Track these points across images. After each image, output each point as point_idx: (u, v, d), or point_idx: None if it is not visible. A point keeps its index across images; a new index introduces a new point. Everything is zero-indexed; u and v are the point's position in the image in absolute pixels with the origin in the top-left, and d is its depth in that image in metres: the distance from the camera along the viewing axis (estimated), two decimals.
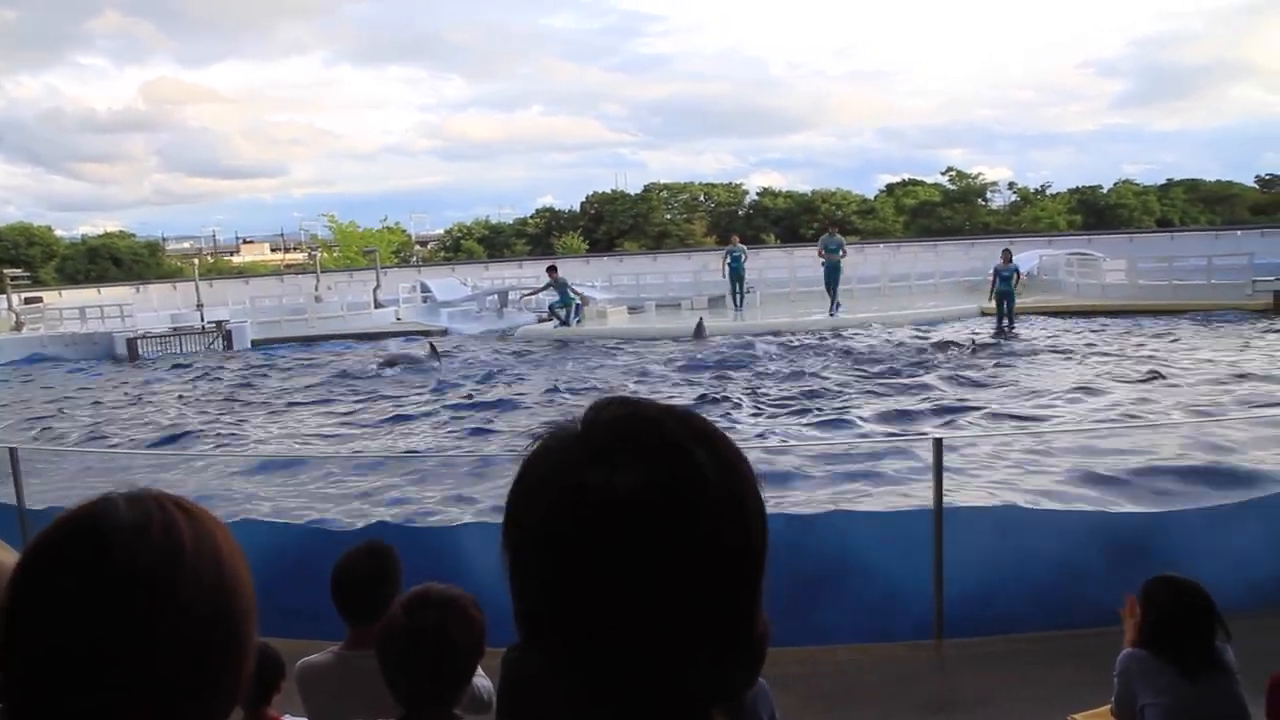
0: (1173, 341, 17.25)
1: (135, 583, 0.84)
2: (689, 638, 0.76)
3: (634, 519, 0.74)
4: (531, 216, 61.59)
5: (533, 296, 26.00)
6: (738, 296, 24.55)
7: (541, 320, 24.08)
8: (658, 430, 0.79)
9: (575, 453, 0.78)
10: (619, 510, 0.74)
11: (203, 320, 26.48)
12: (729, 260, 24.72)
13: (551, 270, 24.12)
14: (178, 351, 24.48)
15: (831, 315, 22.04)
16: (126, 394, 18.21)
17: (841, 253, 22.67)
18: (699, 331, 20.98)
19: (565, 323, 23.12)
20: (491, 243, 57.91)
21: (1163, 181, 56.88)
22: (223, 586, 0.89)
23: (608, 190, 61.96)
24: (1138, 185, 55.87)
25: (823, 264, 22.78)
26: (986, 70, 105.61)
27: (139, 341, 24.67)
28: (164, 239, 62.91)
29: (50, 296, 37.25)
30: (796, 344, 19.19)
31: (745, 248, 25.79)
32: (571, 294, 23.35)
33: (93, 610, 0.82)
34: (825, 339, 19.77)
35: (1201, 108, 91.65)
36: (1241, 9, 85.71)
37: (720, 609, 0.77)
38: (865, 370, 15.87)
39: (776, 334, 20.63)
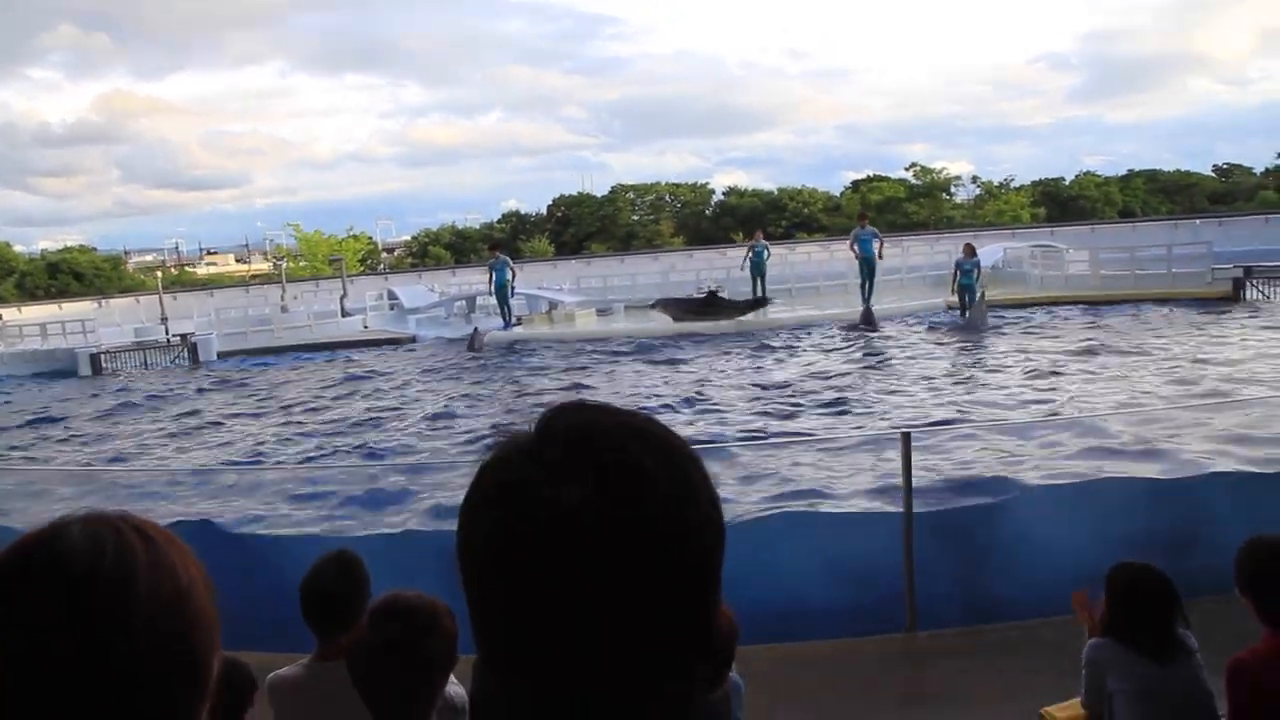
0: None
1: (86, 613, 0.83)
2: (646, 646, 0.76)
3: (583, 532, 0.74)
4: (498, 221, 61.42)
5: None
6: (759, 291, 24.70)
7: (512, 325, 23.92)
8: (607, 439, 0.79)
9: (525, 465, 0.78)
10: (567, 523, 0.74)
11: (167, 334, 26.11)
12: (751, 255, 25.02)
13: (494, 247, 24.54)
14: (142, 366, 24.21)
15: (865, 307, 21.39)
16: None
17: (877, 243, 22.45)
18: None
19: (506, 323, 23.09)
20: (458, 248, 57.64)
21: (1123, 172, 57.76)
22: (180, 614, 0.87)
23: (574, 193, 61.98)
24: (1099, 177, 56.63)
25: (857, 259, 22.55)
26: (941, 66, 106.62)
27: (102, 357, 24.33)
28: (126, 252, 62.09)
29: (10, 313, 36.58)
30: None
31: (768, 243, 26.08)
32: (508, 275, 23.21)
33: (44, 641, 0.81)
34: (854, 332, 20.01)
35: (1156, 99, 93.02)
36: (1184, 3, 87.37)
37: (676, 615, 0.77)
38: (829, 366, 16.00)
39: (793, 328, 20.84)
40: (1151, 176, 56.59)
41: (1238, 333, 16.85)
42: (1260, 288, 20.83)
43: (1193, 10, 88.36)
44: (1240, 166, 56.82)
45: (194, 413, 16.56)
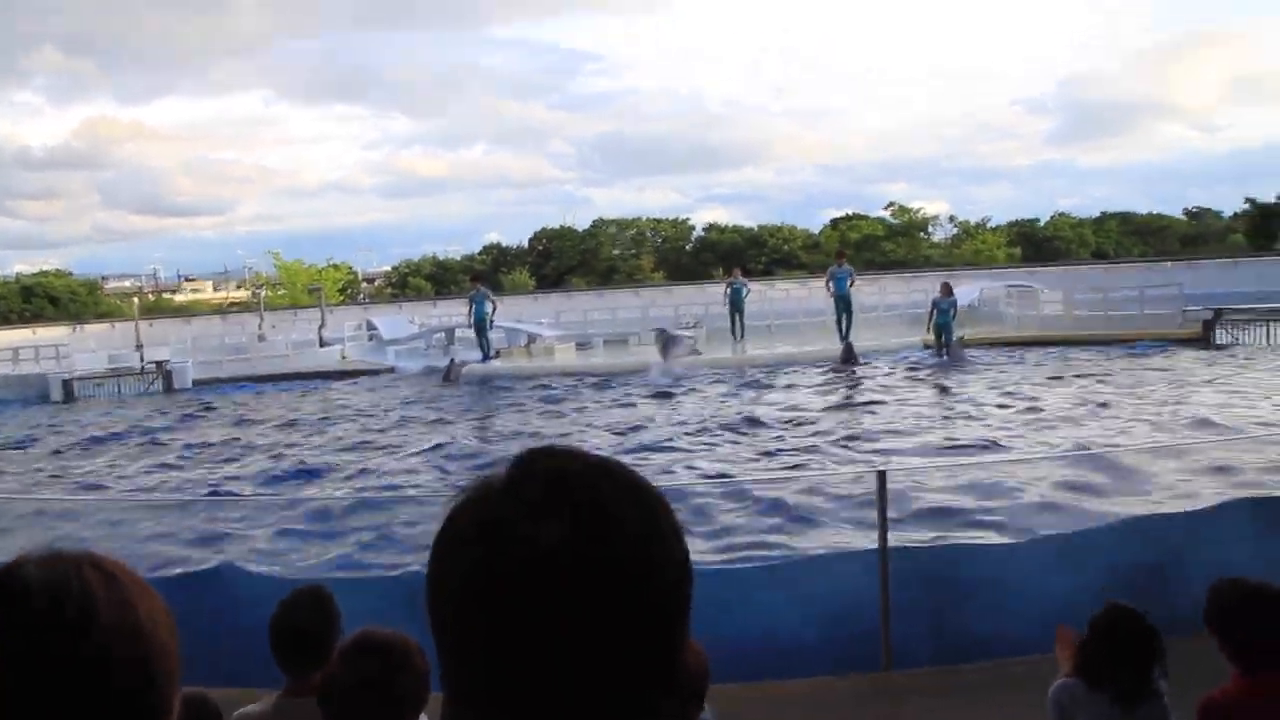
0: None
1: (45, 652, 0.83)
2: (613, 681, 0.76)
3: (560, 568, 0.75)
4: (479, 253, 61.50)
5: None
6: (738, 328, 25.20)
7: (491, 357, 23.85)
8: (581, 478, 0.80)
9: (503, 503, 0.79)
10: (547, 561, 0.75)
11: (142, 361, 25.88)
12: (729, 292, 25.52)
13: (475, 279, 24.59)
14: (116, 393, 23.96)
15: (845, 344, 21.50)
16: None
17: (851, 282, 22.66)
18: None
19: (485, 356, 23.02)
20: (439, 279, 57.59)
21: (1097, 214, 58.66)
22: (140, 651, 0.87)
23: (555, 226, 62.21)
24: (1073, 218, 57.50)
25: (832, 297, 22.73)
26: (923, 107, 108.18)
27: (75, 383, 24.07)
28: (104, 278, 61.71)
29: None
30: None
31: (746, 281, 26.65)
32: (488, 307, 23.15)
33: (4, 674, 0.81)
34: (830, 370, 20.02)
35: (1129, 144, 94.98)
36: (1154, 52, 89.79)
37: (642, 651, 0.78)
38: (809, 403, 16.05)
39: (773, 365, 20.88)
40: (1124, 219, 57.53)
41: (1206, 372, 17.09)
42: (1229, 330, 21.16)
43: (1165, 58, 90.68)
44: (1209, 210, 57.90)
45: (163, 442, 16.37)
